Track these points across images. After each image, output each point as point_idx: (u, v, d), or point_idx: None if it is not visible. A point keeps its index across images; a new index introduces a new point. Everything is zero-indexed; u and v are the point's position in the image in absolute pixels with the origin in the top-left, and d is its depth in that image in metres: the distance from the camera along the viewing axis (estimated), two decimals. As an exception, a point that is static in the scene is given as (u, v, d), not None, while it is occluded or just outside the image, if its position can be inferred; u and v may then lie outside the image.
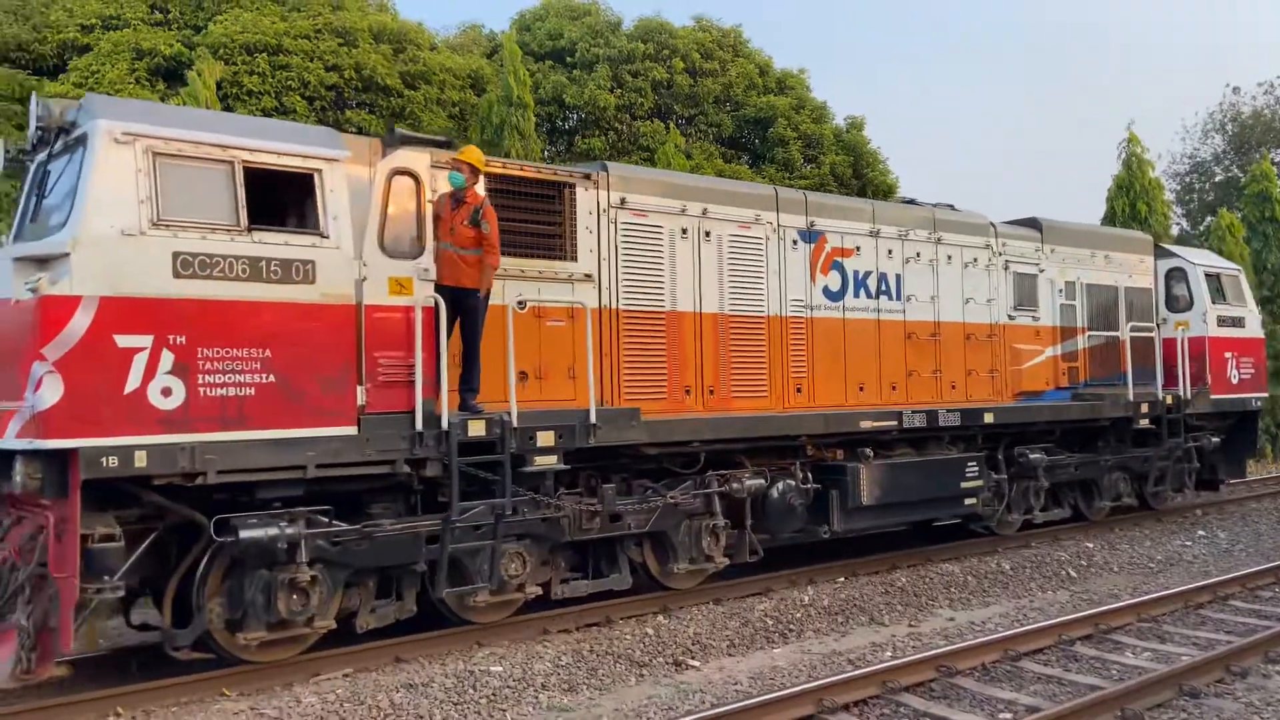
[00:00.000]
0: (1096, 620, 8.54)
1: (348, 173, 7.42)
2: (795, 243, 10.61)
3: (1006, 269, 12.77)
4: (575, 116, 22.56)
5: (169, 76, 16.79)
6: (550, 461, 8.27)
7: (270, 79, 17.12)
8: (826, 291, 10.86)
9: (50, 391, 6.09)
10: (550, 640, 8.30)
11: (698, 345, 9.73)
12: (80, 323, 6.18)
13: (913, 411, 11.08)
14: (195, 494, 6.91)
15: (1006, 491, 12.30)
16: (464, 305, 7.90)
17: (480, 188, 8.21)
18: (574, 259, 8.92)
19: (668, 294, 9.54)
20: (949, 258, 12.09)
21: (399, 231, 7.64)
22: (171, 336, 6.49)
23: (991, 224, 12.80)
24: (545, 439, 8.24)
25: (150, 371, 6.41)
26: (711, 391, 9.81)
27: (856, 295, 11.13)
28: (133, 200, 6.43)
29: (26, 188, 7.40)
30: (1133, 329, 13.75)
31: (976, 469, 11.69)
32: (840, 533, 10.59)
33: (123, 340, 6.32)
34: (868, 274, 11.24)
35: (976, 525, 12.81)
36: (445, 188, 7.97)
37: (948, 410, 11.41)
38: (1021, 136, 78.98)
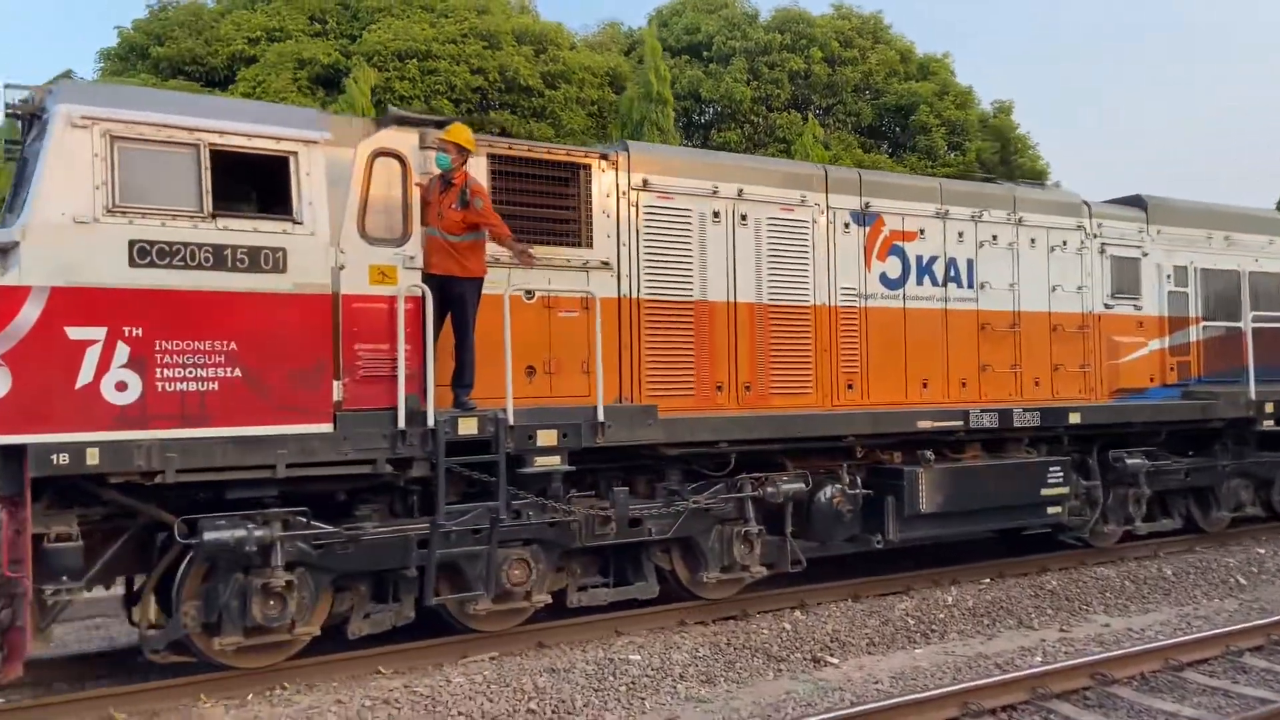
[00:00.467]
0: (1269, 630, 8.01)
1: (331, 156, 7.01)
2: (847, 226, 9.71)
3: (1103, 252, 11.48)
4: (711, 110, 22.62)
5: (328, 84, 17.39)
6: (553, 462, 7.69)
7: (420, 83, 17.55)
8: (884, 279, 9.91)
9: (2, 384, 5.87)
10: (687, 631, 8.36)
11: (731, 338, 8.98)
12: (29, 314, 5.95)
13: (981, 410, 10.01)
14: (179, 494, 6.65)
15: (1100, 499, 11.04)
16: (453, 295, 7.40)
17: (475, 169, 7.71)
18: (589, 245, 8.31)
19: (696, 282, 8.81)
20: (1032, 241, 10.93)
21: (381, 217, 7.18)
22: (127, 328, 6.20)
23: (1084, 203, 11.53)
24: (547, 438, 7.66)
25: (104, 365, 6.13)
26: (747, 388, 9.04)
27: (919, 282, 10.13)
28: (88, 186, 6.16)
29: (14, 177, 7.28)
30: (1256, 319, 12.21)
31: (1060, 474, 10.53)
32: (896, 542, 9.66)
33: (74, 332, 6.06)
34: (933, 259, 10.22)
35: (1067, 536, 11.57)
36: (436, 171, 7.48)
37: (1025, 409, 10.29)
38: (1195, 124, 73.62)
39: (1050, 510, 10.53)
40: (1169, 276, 11.98)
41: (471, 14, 19.25)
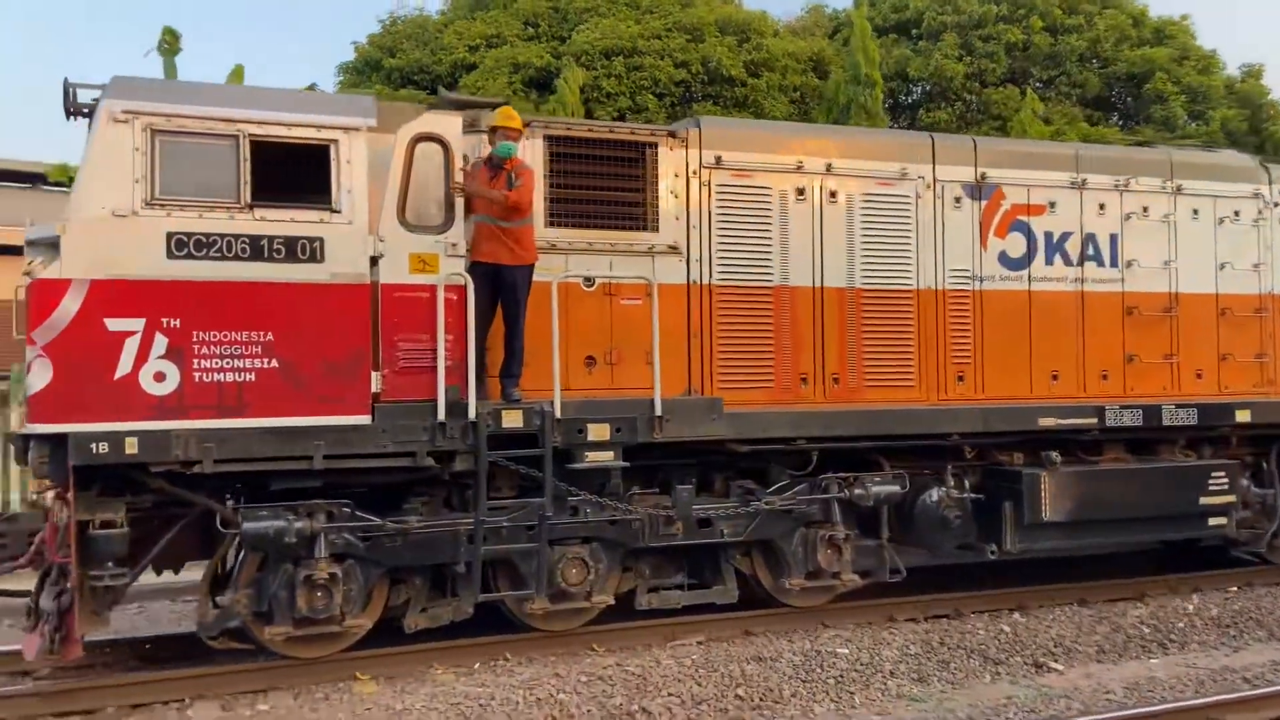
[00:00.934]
0: None
1: (374, 143, 6.90)
2: (959, 200, 8.77)
3: (1287, 224, 9.91)
4: (919, 89, 21.74)
5: (540, 86, 17.98)
6: (605, 458, 7.31)
7: (625, 80, 17.79)
8: (1003, 258, 8.90)
9: (39, 376, 6.10)
10: (897, 628, 8.14)
11: (817, 326, 8.28)
12: (69, 306, 6.14)
13: (1122, 407, 8.84)
14: (241, 483, 6.76)
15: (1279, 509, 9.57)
16: (504, 282, 7.14)
17: (531, 151, 7.43)
18: (654, 229, 7.85)
19: (776, 266, 8.17)
20: (1194, 212, 9.55)
21: (422, 204, 7.01)
22: (165, 320, 6.31)
23: (1263, 166, 9.99)
24: (598, 432, 7.29)
25: (142, 356, 6.26)
26: (836, 380, 8.32)
27: (1049, 262, 9.03)
28: (127, 180, 6.30)
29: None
30: None
31: (1225, 481, 9.17)
32: (1014, 553, 8.66)
33: (113, 324, 6.22)
34: (1066, 235, 9.09)
35: (1241, 551, 10.10)
36: (474, 153, 7.24)
37: (1178, 406, 9.01)
38: None
39: (1213, 522, 9.19)
40: (1374, 251, 10.20)
41: (676, 7, 19.46)
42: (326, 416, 6.62)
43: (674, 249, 7.88)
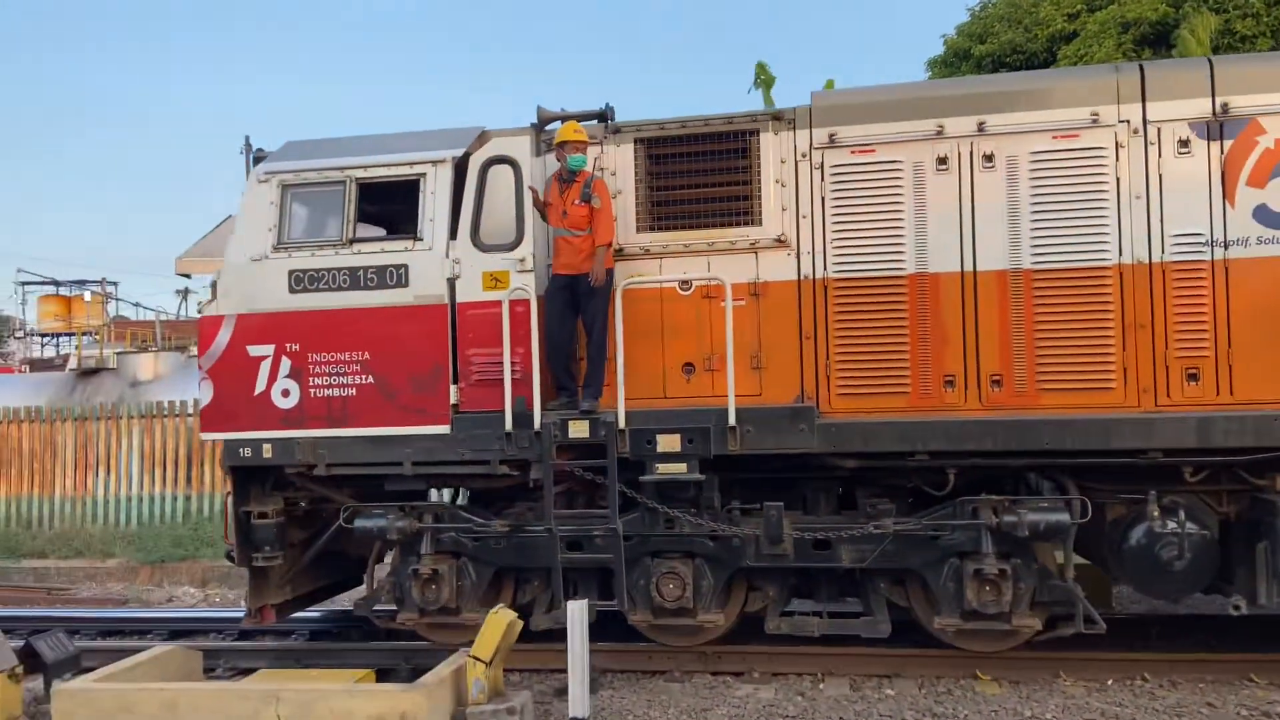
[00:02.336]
0: None
1: (459, 167, 7.41)
2: (1185, 143, 6.66)
3: None
4: None
5: (1155, 43, 17.13)
6: (678, 469, 6.93)
7: (1264, 18, 16.24)
8: (1263, 215, 6.55)
9: (205, 394, 7.62)
10: None
11: (968, 318, 6.89)
12: (224, 337, 7.57)
13: None
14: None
15: None
16: (582, 292, 7.16)
17: (623, 158, 7.34)
18: (758, 223, 7.21)
19: (910, 251, 6.96)
20: None
21: (494, 224, 7.30)
22: (288, 345, 7.46)
23: None
24: (668, 443, 6.95)
25: (273, 376, 7.48)
26: (997, 382, 6.84)
27: (1347, 213, 6.45)
28: (264, 230, 7.57)
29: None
30: None
31: None
32: (1271, 608, 6.37)
33: (253, 350, 7.52)
34: (1380, 172, 6.41)
35: None
36: (547, 171, 7.33)
37: None
38: None
39: None
40: None
41: None
42: (414, 426, 7.26)
43: (781, 242, 7.17)
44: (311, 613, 9.07)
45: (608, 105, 7.60)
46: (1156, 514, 6.50)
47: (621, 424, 6.98)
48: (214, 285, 7.80)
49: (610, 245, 7.11)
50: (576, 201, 7.10)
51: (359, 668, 7.08)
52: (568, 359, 7.27)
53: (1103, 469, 6.74)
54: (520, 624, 6.35)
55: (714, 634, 7.42)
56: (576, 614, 6.31)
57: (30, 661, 6.69)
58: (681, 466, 6.94)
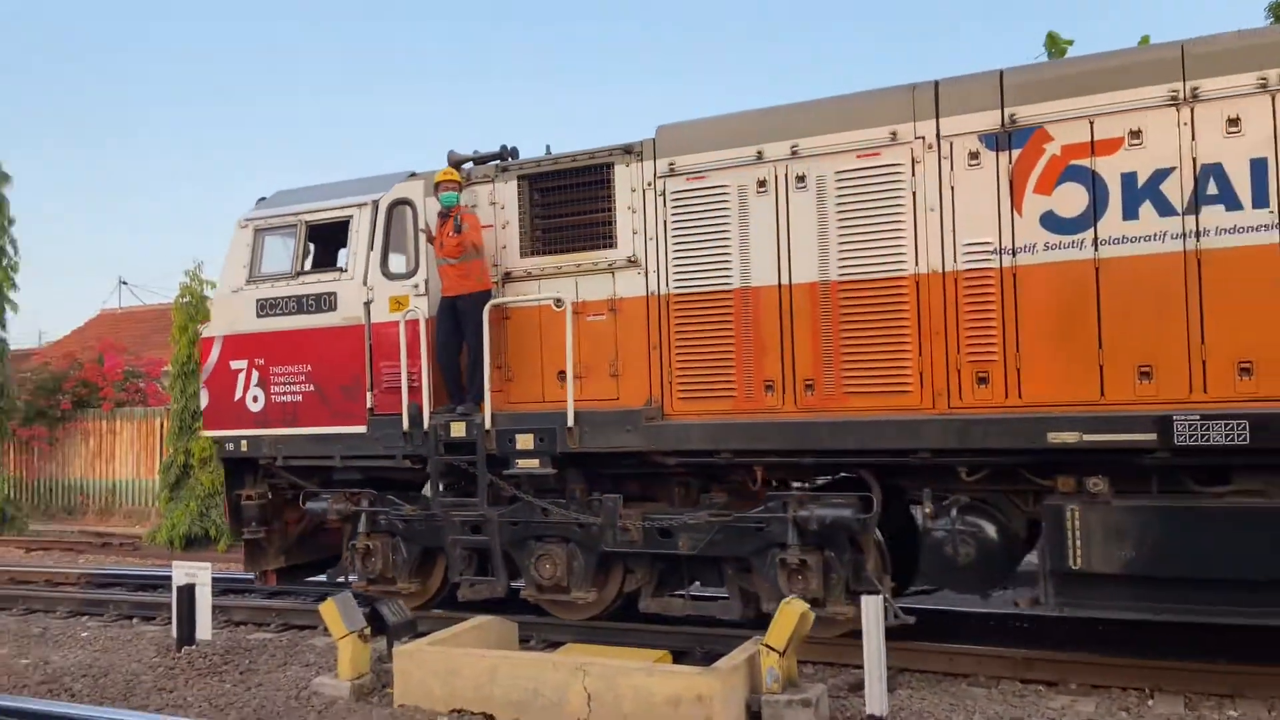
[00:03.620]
0: None
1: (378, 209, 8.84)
2: (975, 155, 6.93)
3: None
4: None
5: None
6: (532, 465, 8.00)
7: None
8: (1050, 221, 6.72)
9: (204, 400, 9.51)
10: None
11: (785, 327, 7.47)
12: (215, 354, 9.42)
13: (1204, 417, 6.00)
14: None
15: None
16: (462, 310, 8.35)
17: (508, 193, 8.48)
18: (614, 246, 8.11)
19: (736, 267, 7.63)
20: None
21: (397, 256, 8.65)
22: (256, 359, 9.18)
23: None
24: (525, 442, 8.02)
25: (246, 385, 9.23)
26: (810, 386, 7.39)
27: (1130, 215, 6.51)
28: (241, 267, 9.34)
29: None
30: None
31: None
32: (1050, 607, 6.58)
33: (233, 364, 9.31)
34: (1161, 174, 6.42)
35: None
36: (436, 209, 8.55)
37: (1338, 416, 5.74)
38: None
39: None
40: None
41: None
42: (343, 426, 8.76)
43: (633, 262, 8.04)
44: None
45: (503, 146, 8.77)
46: (929, 510, 6.86)
47: (488, 425, 8.12)
48: (210, 312, 9.69)
49: (470, 253, 8.17)
50: (451, 233, 8.30)
51: (656, 648, 7.25)
52: (456, 370, 8.48)
53: (904, 468, 7.14)
54: (812, 615, 6.30)
55: (590, 610, 8.37)
56: (872, 609, 6.06)
57: (375, 624, 7.40)
58: (535, 462, 8.00)
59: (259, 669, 7.91)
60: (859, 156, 7.26)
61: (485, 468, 8.13)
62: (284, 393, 9.08)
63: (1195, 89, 6.34)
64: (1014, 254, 6.81)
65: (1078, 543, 6.35)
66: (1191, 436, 6.04)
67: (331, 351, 8.84)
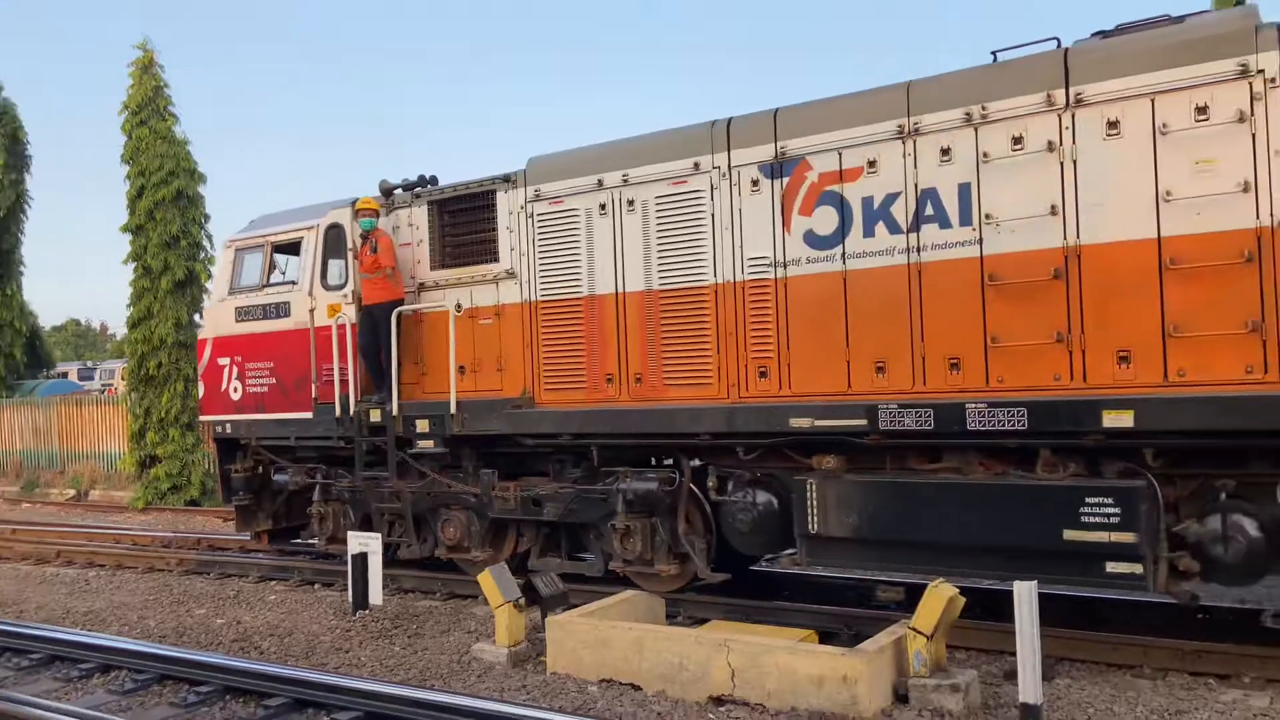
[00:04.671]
0: None
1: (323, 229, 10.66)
2: (755, 184, 8.16)
3: (1328, 104, 6.12)
4: None
5: None
6: (429, 445, 9.67)
7: None
8: (810, 238, 7.92)
9: (200, 391, 11.58)
10: None
11: (620, 329, 8.88)
12: (207, 353, 11.47)
13: (902, 406, 7.15)
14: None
15: (1220, 552, 6.26)
16: (377, 317, 10.06)
17: (419, 216, 10.15)
18: (498, 260, 9.65)
19: (585, 278, 9.07)
20: (1112, 124, 6.75)
21: (334, 270, 10.44)
22: (235, 357, 11.17)
23: (1257, 28, 6.31)
24: (423, 426, 9.70)
25: (229, 379, 11.24)
26: (638, 379, 8.79)
27: (867, 234, 7.65)
28: (225, 281, 11.35)
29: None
30: None
31: (1116, 510, 6.56)
32: (806, 566, 7.84)
33: (220, 361, 11.33)
34: (890, 198, 7.54)
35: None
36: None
37: (993, 405, 6.82)
38: None
39: (1112, 568, 6.62)
40: None
41: None
42: (296, 413, 10.65)
43: (511, 274, 9.58)
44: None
45: (421, 176, 10.42)
46: (712, 484, 8.18)
47: (395, 412, 9.84)
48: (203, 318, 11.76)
49: (384, 270, 9.85)
50: (370, 252, 10.01)
51: (802, 628, 7.29)
52: (377, 365, 10.20)
53: (711, 448, 8.45)
54: (962, 600, 6.16)
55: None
56: (1025, 595, 5.51)
57: (530, 595, 7.76)
58: (431, 443, 9.67)
59: (425, 633, 8.40)
60: (672, 184, 8.58)
61: (394, 447, 9.85)
62: (255, 385, 11.04)
63: (917, 124, 7.42)
64: (785, 266, 8.03)
65: (814, 511, 7.57)
66: (892, 422, 7.20)
67: (287, 350, 10.72)
